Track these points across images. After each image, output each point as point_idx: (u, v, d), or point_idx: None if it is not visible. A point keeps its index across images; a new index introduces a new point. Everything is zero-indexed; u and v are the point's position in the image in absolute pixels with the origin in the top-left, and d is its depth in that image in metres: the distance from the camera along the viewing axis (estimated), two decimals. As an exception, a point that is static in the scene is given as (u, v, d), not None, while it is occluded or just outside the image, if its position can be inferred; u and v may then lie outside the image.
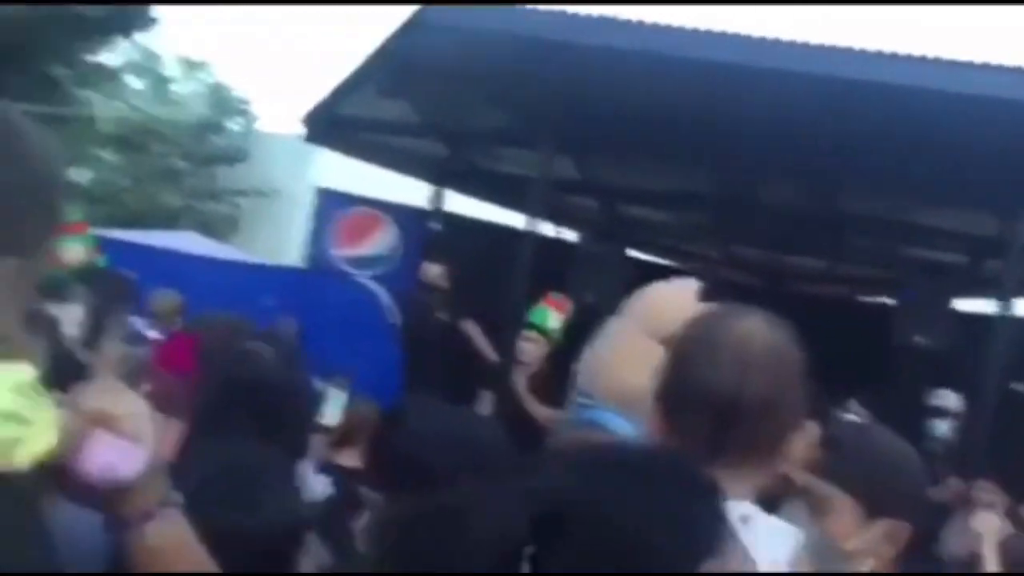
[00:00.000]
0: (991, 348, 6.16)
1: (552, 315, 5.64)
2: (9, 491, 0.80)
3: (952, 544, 4.24)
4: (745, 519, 1.16)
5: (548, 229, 9.15)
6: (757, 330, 1.29)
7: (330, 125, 7.56)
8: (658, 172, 8.16)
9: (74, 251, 5.16)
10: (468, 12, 6.12)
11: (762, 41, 5.65)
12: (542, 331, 5.61)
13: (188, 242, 7.19)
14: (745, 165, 7.14)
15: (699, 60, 5.59)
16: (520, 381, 5.40)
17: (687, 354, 1.28)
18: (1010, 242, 6.34)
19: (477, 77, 6.57)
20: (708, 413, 1.22)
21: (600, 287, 7.30)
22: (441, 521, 0.84)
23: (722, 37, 5.80)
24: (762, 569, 1.11)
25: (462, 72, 6.51)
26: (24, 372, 0.81)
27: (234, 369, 1.92)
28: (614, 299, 7.72)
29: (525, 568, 0.78)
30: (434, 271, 6.31)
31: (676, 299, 1.49)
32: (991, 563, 2.00)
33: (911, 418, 6.17)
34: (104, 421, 0.86)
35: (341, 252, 7.39)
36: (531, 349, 5.53)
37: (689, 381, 1.25)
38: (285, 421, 1.94)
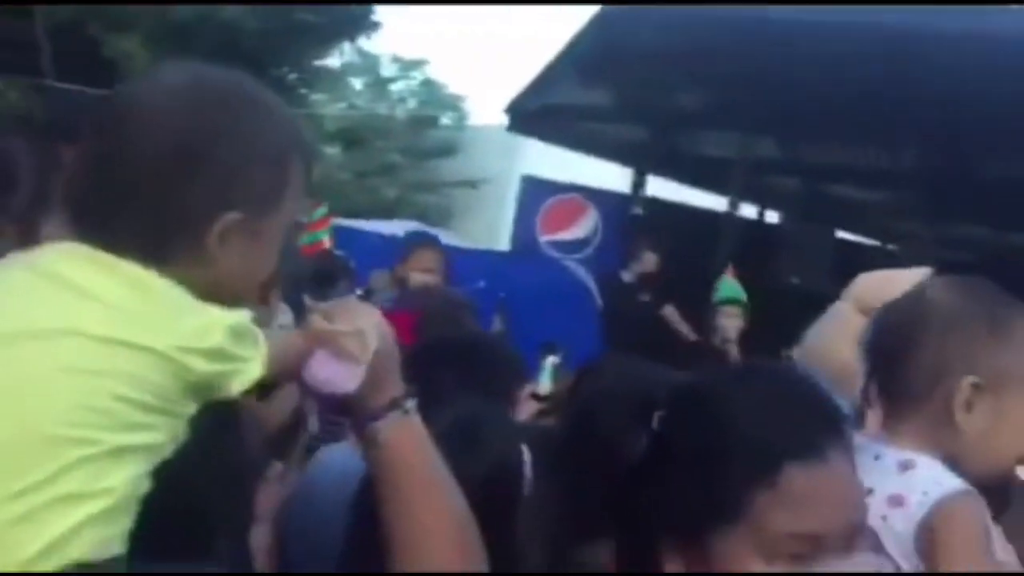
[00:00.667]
0: None
1: (738, 285, 5.71)
2: (219, 414, 0.94)
3: None
4: (905, 465, 1.24)
5: (751, 211, 9.09)
6: (938, 291, 1.33)
7: (531, 114, 7.83)
8: (864, 149, 7.92)
9: (319, 243, 5.71)
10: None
11: (970, 9, 5.42)
12: (738, 302, 5.68)
13: (405, 230, 7.70)
14: (958, 139, 6.82)
15: (897, 28, 5.42)
16: (732, 353, 5.50)
17: (875, 319, 1.38)
18: None
19: (676, 59, 6.62)
20: (878, 365, 1.33)
21: (806, 268, 7.22)
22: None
23: (933, 8, 5.59)
24: (906, 506, 1.20)
25: (661, 54, 6.58)
26: (238, 316, 0.92)
27: (448, 333, 2.09)
28: (820, 280, 7.68)
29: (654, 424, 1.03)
30: (643, 254, 6.42)
31: (893, 279, 1.52)
32: None
33: None
34: (326, 340, 0.97)
35: (546, 237, 7.68)
36: (734, 324, 5.61)
37: (871, 340, 1.36)
38: (498, 382, 2.11)
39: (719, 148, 8.02)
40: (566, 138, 8.69)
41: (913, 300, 1.34)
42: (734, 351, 5.52)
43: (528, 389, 2.28)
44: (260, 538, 1.92)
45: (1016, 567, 1.24)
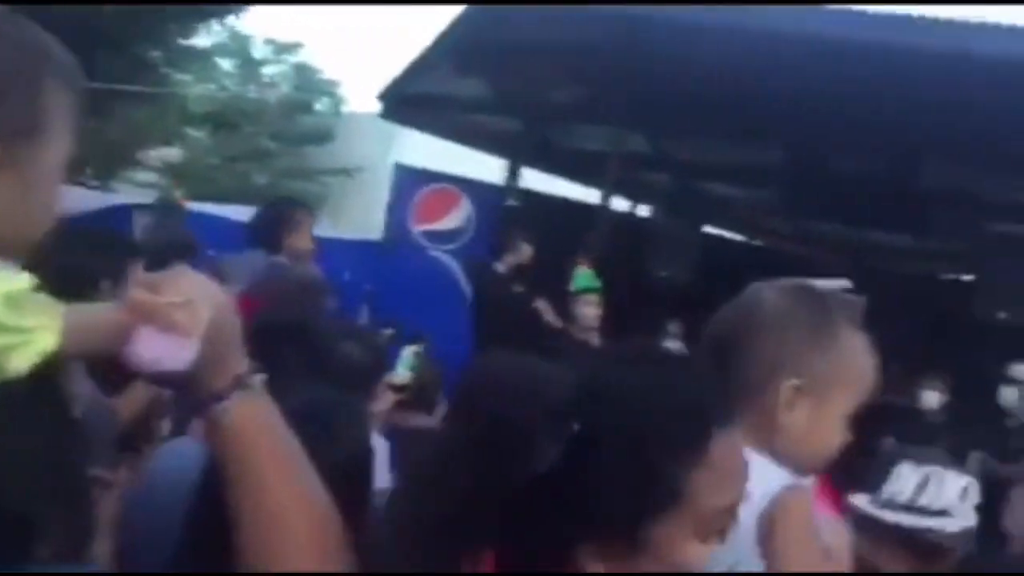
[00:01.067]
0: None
1: (594, 275, 5.78)
2: (9, 396, 0.83)
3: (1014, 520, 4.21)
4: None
5: (623, 205, 9.21)
6: (770, 294, 1.39)
7: (406, 102, 7.73)
8: (732, 146, 8.12)
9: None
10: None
11: (836, 11, 5.61)
12: (594, 290, 5.74)
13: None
14: (820, 138, 7.07)
15: (772, 32, 5.58)
16: (593, 341, 5.54)
17: (714, 318, 1.43)
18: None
19: (551, 52, 6.64)
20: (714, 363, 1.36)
21: (673, 262, 7.36)
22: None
23: (796, 9, 5.77)
24: (750, 499, 1.20)
25: (536, 47, 6.59)
26: (14, 282, 0.83)
27: (285, 313, 1.98)
28: (687, 273, 7.88)
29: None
30: (516, 245, 6.40)
31: None
32: None
33: (991, 393, 6.09)
34: (150, 313, 0.86)
35: (419, 227, 7.59)
36: (592, 312, 5.66)
37: (707, 338, 1.41)
38: (351, 371, 2.02)
39: (593, 142, 8.09)
40: (441, 128, 8.62)
41: (746, 302, 1.39)
42: (595, 339, 5.57)
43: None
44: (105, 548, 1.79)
45: (841, 551, 1.33)
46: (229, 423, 0.91)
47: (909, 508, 1.72)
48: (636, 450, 0.97)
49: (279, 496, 0.91)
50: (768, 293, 1.38)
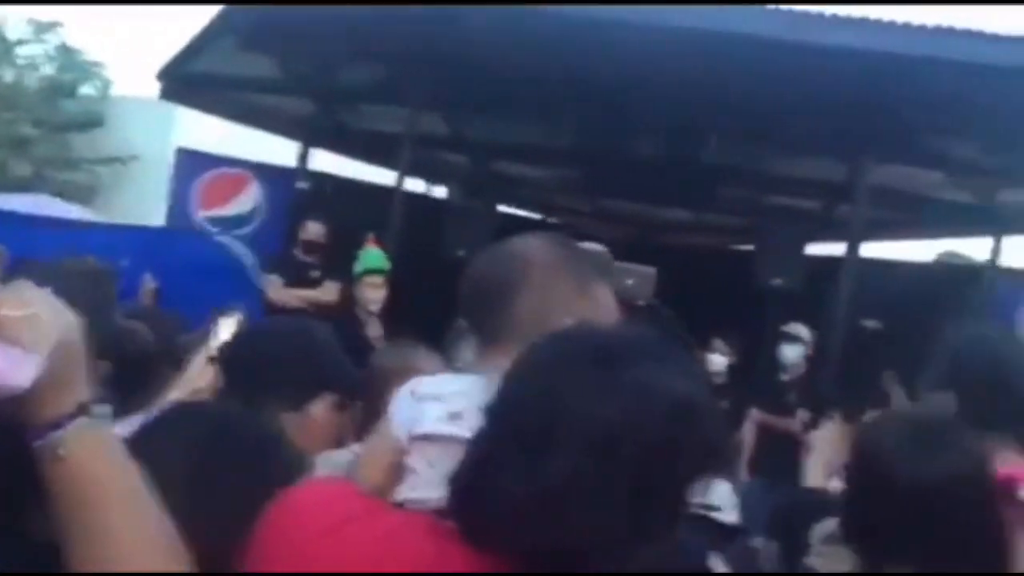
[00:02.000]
0: (840, 288, 6.51)
1: (382, 254, 5.68)
2: None
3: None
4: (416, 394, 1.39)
5: (419, 186, 9.13)
6: (533, 246, 1.46)
7: (186, 83, 7.30)
8: (527, 127, 8.21)
9: None
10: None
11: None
12: (381, 272, 5.64)
13: (39, 205, 6.84)
14: (612, 119, 7.26)
15: (564, 14, 5.64)
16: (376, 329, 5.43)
17: (467, 272, 1.52)
18: (857, 186, 6.69)
19: (341, 31, 6.44)
20: (474, 315, 1.47)
21: (470, 242, 7.33)
22: None
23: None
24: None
25: (326, 26, 6.37)
26: None
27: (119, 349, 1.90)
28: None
29: None
30: (313, 229, 6.21)
31: None
32: (815, 476, 2.14)
33: (770, 355, 6.48)
34: None
35: (204, 213, 7.20)
36: (378, 294, 5.54)
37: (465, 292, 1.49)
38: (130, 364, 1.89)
39: (387, 123, 7.96)
40: (227, 109, 8.19)
41: (508, 254, 1.44)
42: (376, 323, 5.46)
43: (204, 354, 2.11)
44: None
45: None
46: (67, 454, 0.82)
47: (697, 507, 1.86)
48: None
49: (122, 540, 0.84)
50: (534, 244, 1.44)
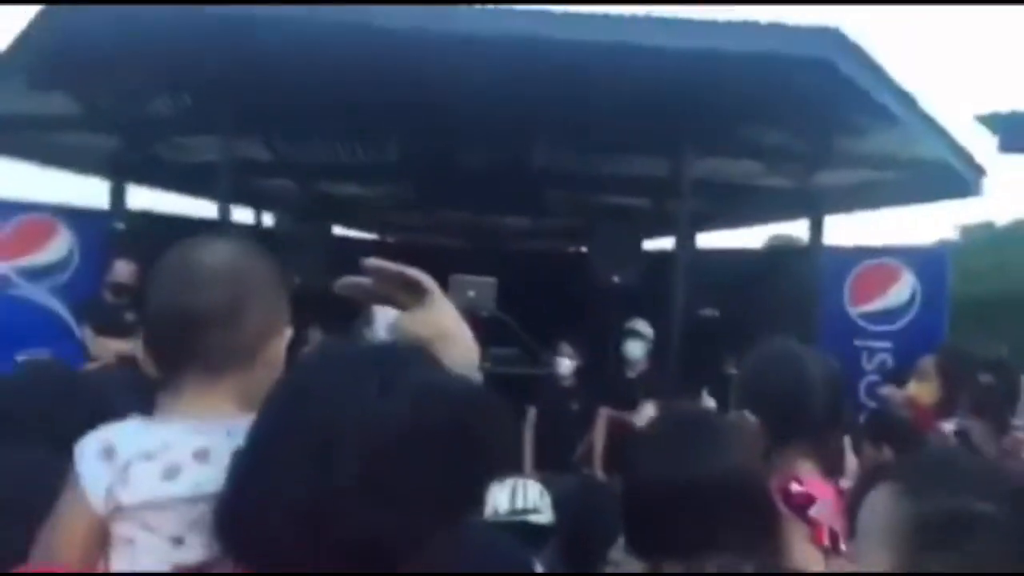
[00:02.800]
0: (675, 280, 6.65)
1: None
2: None
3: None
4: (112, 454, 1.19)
5: (246, 215, 8.80)
6: (207, 252, 1.32)
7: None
8: (350, 145, 8.04)
9: None
10: (117, -11, 5.63)
11: (437, 8, 5.65)
12: None
13: None
14: (435, 131, 7.17)
15: (377, 28, 5.49)
16: None
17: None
18: (681, 181, 6.84)
19: (141, 60, 6.10)
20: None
21: (305, 269, 7.10)
22: None
23: (396, 7, 5.73)
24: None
25: (123, 56, 6.01)
26: None
27: None
28: (321, 276, 7.57)
29: None
30: (123, 270, 5.86)
31: None
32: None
33: (615, 353, 6.54)
34: None
35: (9, 263, 6.66)
36: None
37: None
38: None
39: (202, 153, 7.62)
40: (24, 150, 7.64)
41: (218, 272, 1.31)
42: None
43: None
44: None
45: None
46: None
47: (513, 514, 1.93)
48: None
49: None
50: (235, 254, 1.32)
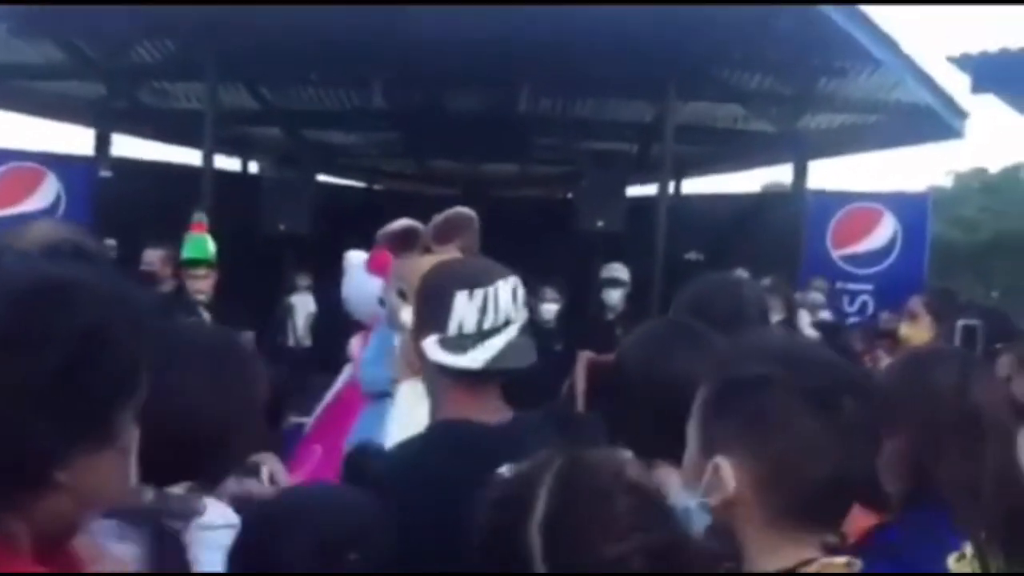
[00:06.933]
0: (658, 224, 6.70)
1: (207, 241, 5.15)
2: None
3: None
4: None
5: (232, 163, 8.79)
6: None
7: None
8: (337, 92, 8.02)
9: None
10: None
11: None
12: (204, 262, 5.09)
13: None
14: (423, 77, 7.15)
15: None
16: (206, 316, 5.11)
17: None
18: (665, 126, 6.85)
19: (122, 7, 6.06)
20: None
21: (291, 215, 7.12)
22: None
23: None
24: None
25: (104, 4, 5.98)
26: None
27: None
28: (305, 224, 7.53)
29: None
30: (152, 257, 5.51)
31: None
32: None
33: (597, 297, 6.60)
34: None
35: (-1, 212, 6.68)
36: (200, 285, 5.05)
37: None
38: None
39: (187, 100, 7.61)
40: (11, 100, 7.62)
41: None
42: (206, 315, 5.01)
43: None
44: None
45: None
46: None
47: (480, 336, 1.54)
48: None
49: None
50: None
